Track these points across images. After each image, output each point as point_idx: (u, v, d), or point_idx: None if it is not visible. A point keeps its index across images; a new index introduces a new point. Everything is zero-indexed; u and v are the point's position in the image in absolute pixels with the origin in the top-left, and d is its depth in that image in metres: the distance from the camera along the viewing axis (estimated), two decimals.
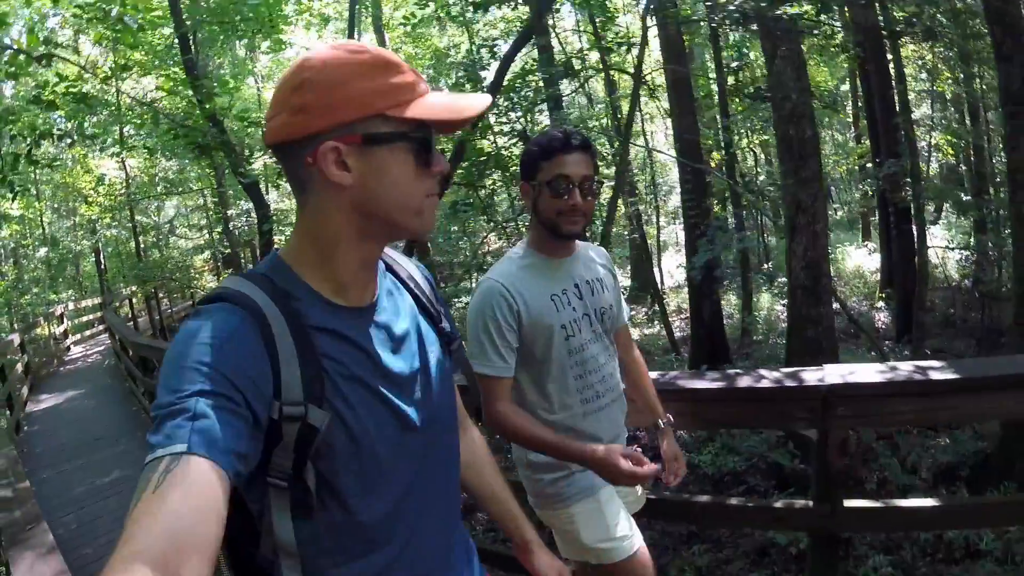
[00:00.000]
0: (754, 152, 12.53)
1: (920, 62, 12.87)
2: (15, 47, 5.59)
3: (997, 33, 5.82)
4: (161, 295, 17.81)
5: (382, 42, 12.55)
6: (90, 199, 15.99)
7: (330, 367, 1.02)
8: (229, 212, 15.15)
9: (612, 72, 10.96)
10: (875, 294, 12.65)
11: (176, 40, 7.11)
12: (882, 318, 11.32)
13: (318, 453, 0.98)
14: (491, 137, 7.22)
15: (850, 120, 18.56)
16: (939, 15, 9.62)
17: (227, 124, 7.36)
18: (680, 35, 9.49)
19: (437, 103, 1.06)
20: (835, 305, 9.21)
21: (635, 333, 13.55)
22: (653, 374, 2.33)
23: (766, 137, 13.16)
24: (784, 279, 7.90)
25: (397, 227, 1.09)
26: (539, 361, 1.98)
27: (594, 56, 10.77)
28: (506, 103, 7.16)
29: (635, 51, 8.51)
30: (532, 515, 1.88)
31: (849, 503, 1.98)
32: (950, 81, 12.31)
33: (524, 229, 7.93)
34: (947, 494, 5.42)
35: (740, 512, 2.75)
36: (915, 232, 9.23)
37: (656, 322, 12.18)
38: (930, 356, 8.31)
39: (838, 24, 8.82)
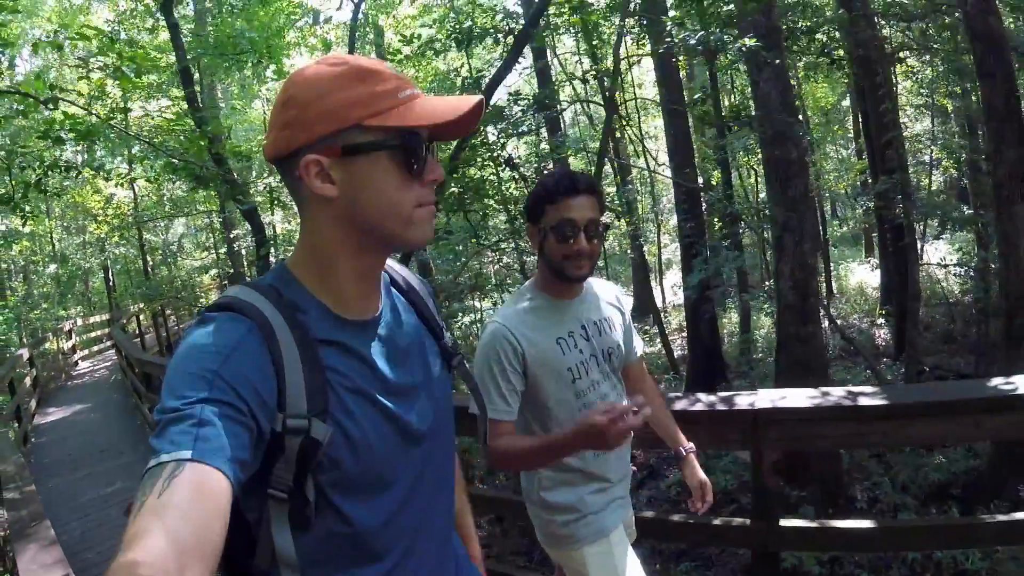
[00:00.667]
0: (754, 170, 12.58)
1: (919, 76, 12.90)
2: (23, 92, 5.82)
3: (979, 49, 5.84)
4: (168, 312, 18.00)
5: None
6: (99, 218, 16.23)
7: (334, 380, 1.02)
8: (234, 233, 15.35)
9: (607, 96, 11.10)
10: (875, 311, 12.64)
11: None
12: (882, 335, 11.31)
13: (319, 466, 0.98)
14: (477, 161, 7.28)
15: (851, 136, 18.59)
16: (931, 30, 9.71)
17: (228, 149, 7.50)
18: (672, 58, 9.61)
19: (421, 109, 1.04)
20: (829, 323, 9.29)
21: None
22: None
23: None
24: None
25: (388, 238, 1.08)
26: (545, 403, 1.98)
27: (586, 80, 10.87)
28: (494, 129, 7.21)
29: (624, 76, 8.59)
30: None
31: (785, 522, 2.06)
32: (949, 95, 12.35)
33: (520, 244, 8.04)
34: (937, 513, 5.45)
35: (681, 528, 2.82)
36: (913, 248, 9.30)
37: (657, 341, 12.21)
38: (927, 373, 8.33)
39: (822, 37, 8.89)
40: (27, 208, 6.96)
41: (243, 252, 16.03)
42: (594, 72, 8.49)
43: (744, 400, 2.28)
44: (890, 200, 8.14)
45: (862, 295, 14.49)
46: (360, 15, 12.05)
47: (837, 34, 8.74)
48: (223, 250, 17.96)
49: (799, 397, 2.26)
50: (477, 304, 10.52)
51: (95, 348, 18.38)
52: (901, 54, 10.62)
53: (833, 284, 15.26)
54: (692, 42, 5.69)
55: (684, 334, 12.96)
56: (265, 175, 12.71)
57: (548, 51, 11.54)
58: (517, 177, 7.73)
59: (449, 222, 7.58)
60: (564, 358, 1.97)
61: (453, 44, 7.57)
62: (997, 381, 2.10)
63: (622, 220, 11.74)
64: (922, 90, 13.57)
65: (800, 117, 15.53)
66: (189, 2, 12.33)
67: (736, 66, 9.11)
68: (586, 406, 1.98)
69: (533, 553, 5.30)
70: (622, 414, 1.46)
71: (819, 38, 8.82)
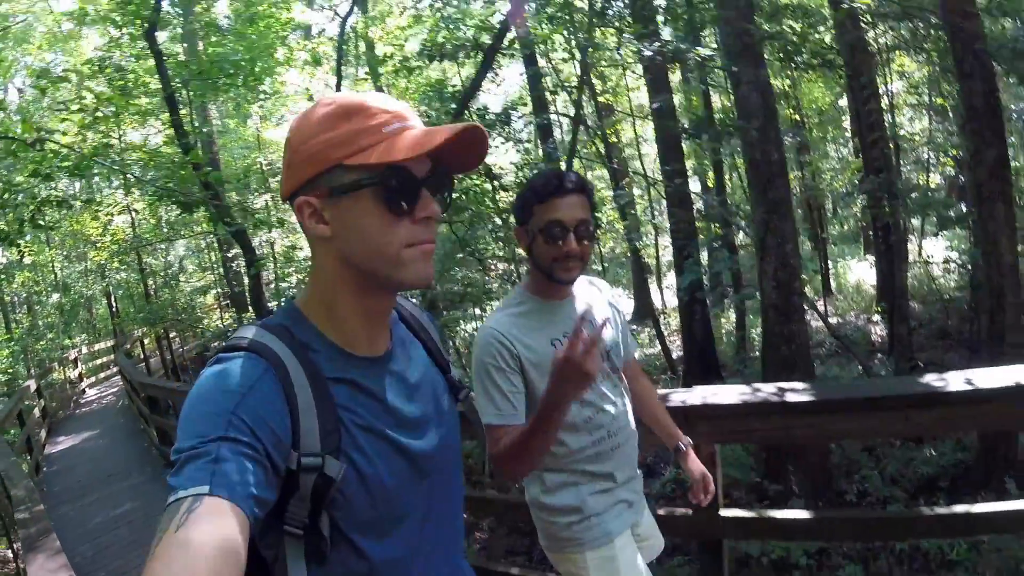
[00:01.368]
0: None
1: (912, 75, 12.98)
2: (10, 136, 6.05)
3: (957, 50, 5.89)
4: (173, 335, 18.13)
5: (376, 77, 12.82)
6: (99, 244, 16.39)
7: (347, 418, 1.03)
8: (232, 252, 15.48)
9: (598, 100, 11.26)
10: (872, 307, 12.71)
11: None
12: (878, 331, 11.38)
13: (333, 502, 0.99)
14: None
15: (848, 134, 18.63)
16: (920, 30, 9.79)
17: (212, 177, 7.66)
18: (663, 64, 9.75)
19: (403, 143, 1.01)
20: (821, 322, 9.37)
21: (637, 354, 13.59)
22: None
23: None
24: None
25: (379, 279, 1.07)
26: None
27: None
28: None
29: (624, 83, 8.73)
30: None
31: (725, 512, 2.16)
32: (942, 94, 12.40)
33: (517, 251, 8.13)
34: (925, 505, 5.52)
35: None
36: (906, 246, 9.38)
37: (658, 343, 12.31)
38: (920, 368, 8.39)
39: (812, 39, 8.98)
40: (22, 244, 7.15)
41: (242, 271, 16.17)
42: (561, 85, 8.63)
43: (678, 397, 2.39)
44: (878, 199, 8.22)
45: (860, 292, 14.55)
46: (348, 29, 12.22)
47: (828, 36, 8.82)
48: (219, 271, 18.11)
49: (730, 394, 2.37)
50: (478, 311, 10.60)
51: (102, 375, 18.57)
52: (893, 54, 10.71)
53: (832, 282, 15.34)
54: (647, 53, 5.80)
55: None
56: (261, 192, 12.86)
57: (541, 58, 11.66)
58: (498, 187, 7.85)
59: None
60: None
61: (426, 60, 7.72)
62: (930, 378, 2.18)
63: (619, 224, 11.83)
64: (916, 89, 13.63)
65: (797, 117, 15.78)
66: (178, 26, 12.45)
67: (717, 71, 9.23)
68: (586, 406, 1.95)
69: (534, 552, 5.41)
70: (579, 337, 1.41)
71: (811, 40, 8.90)
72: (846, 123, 18.33)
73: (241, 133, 19.11)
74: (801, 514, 2.56)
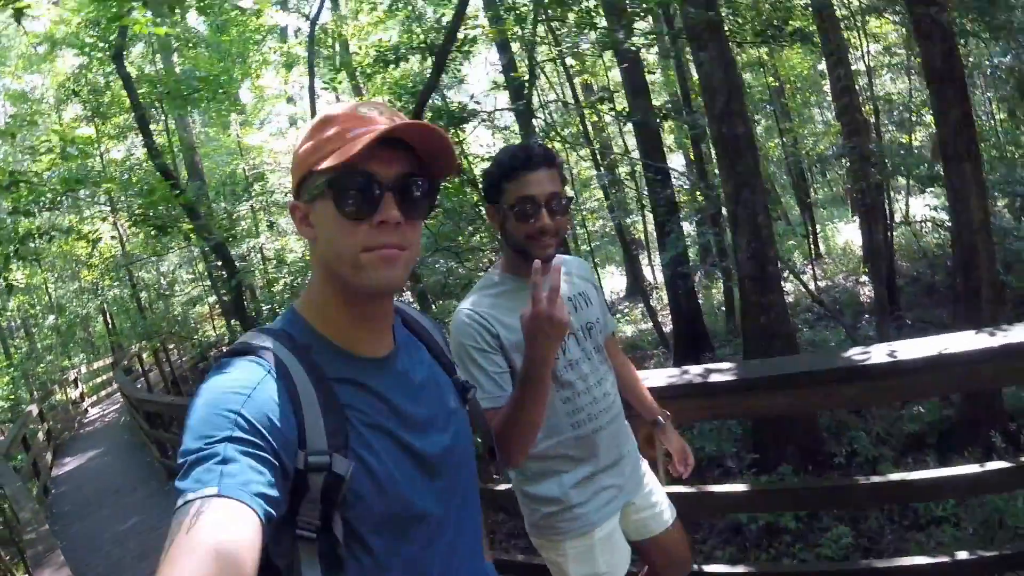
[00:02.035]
0: None
1: (891, 35, 12.97)
2: None
3: (916, 11, 5.95)
4: (170, 347, 18.18)
5: (352, 77, 12.81)
6: (89, 263, 16.41)
7: (353, 416, 1.03)
8: (220, 262, 15.50)
9: (574, 85, 11.26)
10: (859, 269, 12.78)
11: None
12: (867, 292, 11.46)
13: (345, 502, 0.99)
14: None
15: (831, 99, 18.60)
16: None
17: (183, 199, 7.72)
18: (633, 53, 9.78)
19: (355, 146, 1.00)
20: (807, 287, 9.45)
21: (630, 330, 13.75)
22: None
23: None
24: None
25: (343, 281, 1.07)
26: None
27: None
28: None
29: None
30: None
31: (668, 489, 2.23)
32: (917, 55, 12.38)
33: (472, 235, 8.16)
34: (913, 464, 5.60)
35: None
36: (886, 207, 9.43)
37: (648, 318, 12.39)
38: (910, 327, 8.47)
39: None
40: (9, 276, 7.28)
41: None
42: (532, 71, 8.67)
43: None
44: (853, 163, 8.27)
45: (847, 254, 14.62)
46: (318, 29, 12.21)
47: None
48: (207, 283, 18.13)
49: (660, 377, 2.44)
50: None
51: (103, 393, 18.63)
52: (867, 16, 10.70)
53: (821, 245, 15.41)
54: (585, 46, 5.82)
55: None
56: (243, 199, 12.88)
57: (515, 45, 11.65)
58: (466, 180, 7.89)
59: None
60: None
61: (382, 65, 7.77)
62: (854, 351, 2.25)
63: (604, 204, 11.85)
64: (888, 51, 13.62)
65: (777, 84, 15.76)
66: (152, 40, 12.41)
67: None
68: (566, 386, 1.91)
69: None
70: (539, 289, 1.36)
71: (779, 10, 8.91)
72: (827, 87, 18.33)
73: (223, 140, 19.09)
74: (737, 487, 2.67)
